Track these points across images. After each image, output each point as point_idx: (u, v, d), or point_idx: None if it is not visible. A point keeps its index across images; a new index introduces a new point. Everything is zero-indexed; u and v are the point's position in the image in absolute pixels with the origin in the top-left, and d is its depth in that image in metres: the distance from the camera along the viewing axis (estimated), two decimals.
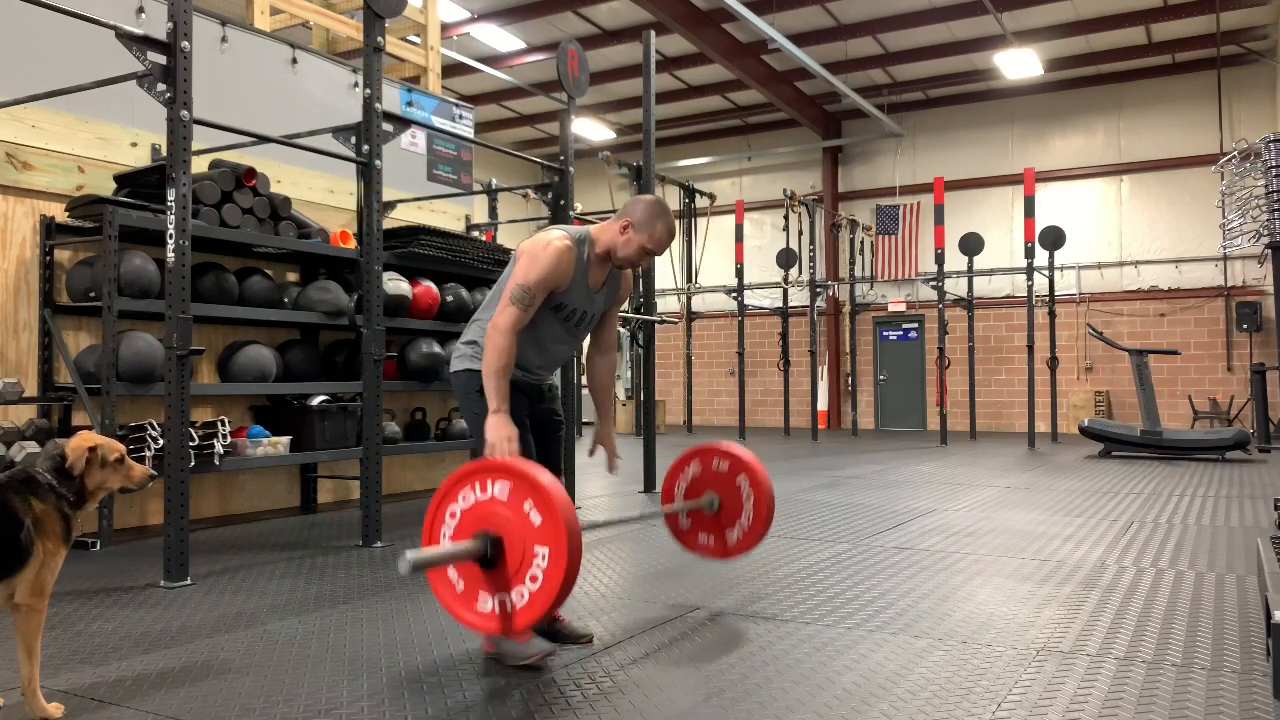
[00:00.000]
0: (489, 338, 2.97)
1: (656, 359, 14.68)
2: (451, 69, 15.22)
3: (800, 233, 16.41)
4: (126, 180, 5.57)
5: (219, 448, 5.34)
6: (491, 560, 2.59)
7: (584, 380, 3.20)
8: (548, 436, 3.32)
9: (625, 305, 4.01)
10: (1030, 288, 13.03)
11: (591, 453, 3.42)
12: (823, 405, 17.45)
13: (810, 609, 3.67)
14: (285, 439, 5.86)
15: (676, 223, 3.15)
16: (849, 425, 17.03)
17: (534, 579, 2.51)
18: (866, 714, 2.53)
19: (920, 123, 17.30)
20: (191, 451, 4.93)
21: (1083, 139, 16.14)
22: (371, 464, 5.20)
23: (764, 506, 3.65)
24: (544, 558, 2.51)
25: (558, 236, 3.05)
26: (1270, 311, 14.11)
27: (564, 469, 3.45)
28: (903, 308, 17.33)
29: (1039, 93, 16.24)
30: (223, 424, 5.45)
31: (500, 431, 2.91)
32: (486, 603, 2.61)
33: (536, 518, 2.52)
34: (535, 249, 3.01)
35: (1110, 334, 15.02)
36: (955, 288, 15.44)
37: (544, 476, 2.57)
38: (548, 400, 3.34)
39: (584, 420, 16.71)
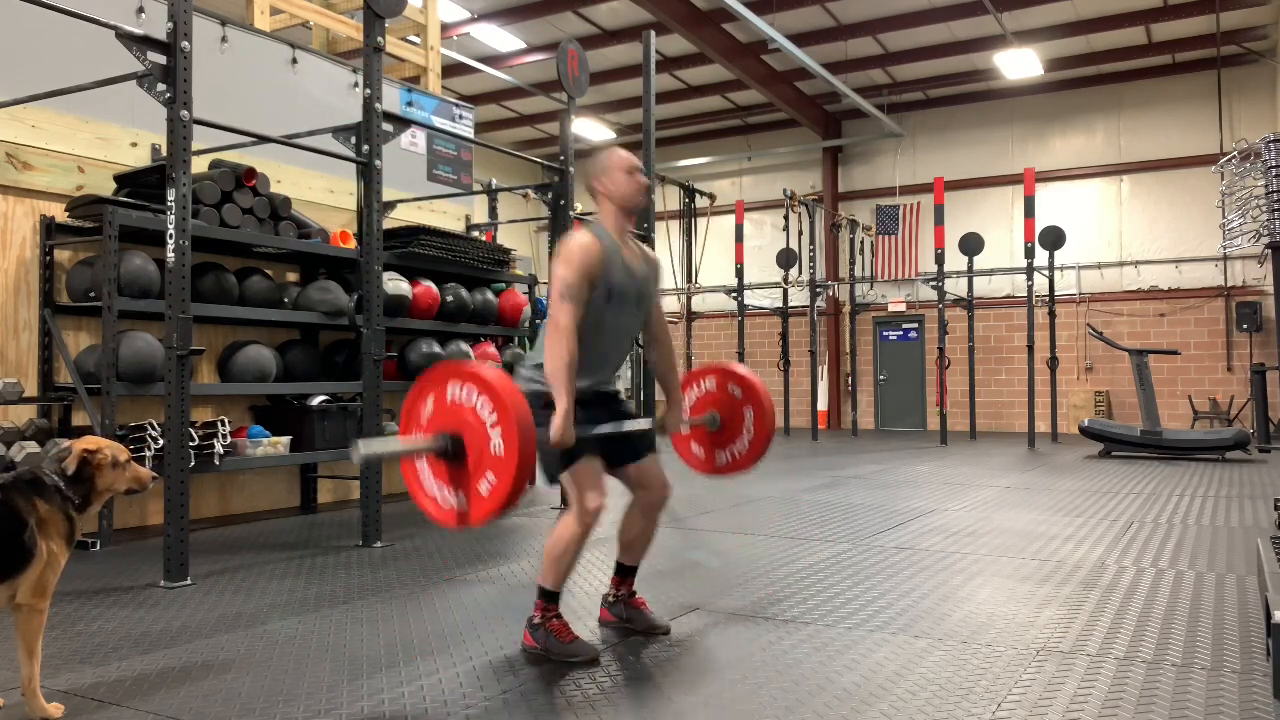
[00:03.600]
0: (549, 338, 3.01)
1: None
2: (451, 69, 15.21)
3: (800, 233, 16.40)
4: (126, 180, 5.57)
5: (219, 448, 5.34)
6: (454, 456, 2.70)
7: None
8: (636, 442, 3.33)
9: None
10: (1030, 288, 13.02)
11: (663, 430, 3.50)
12: (823, 405, 17.44)
13: (810, 609, 3.67)
14: (285, 439, 5.86)
15: (618, 151, 3.34)
16: (849, 425, 17.02)
17: (490, 477, 2.64)
18: (866, 714, 2.53)
19: (920, 123, 17.29)
20: (191, 451, 4.93)
21: (1083, 139, 16.13)
22: (371, 464, 5.20)
23: (760, 443, 3.74)
24: (491, 475, 2.63)
25: (577, 235, 3.16)
26: (1270, 311, 14.10)
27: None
28: (903, 308, 17.32)
29: (1039, 93, 16.23)
30: (223, 424, 5.45)
31: (566, 434, 2.94)
32: (449, 498, 2.73)
33: (489, 416, 2.66)
34: (564, 252, 3.10)
35: (1110, 334, 15.02)
36: (955, 288, 15.42)
37: (494, 376, 2.70)
38: (624, 409, 3.35)
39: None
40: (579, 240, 3.11)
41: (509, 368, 7.61)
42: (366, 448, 2.59)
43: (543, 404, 3.08)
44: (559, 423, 2.94)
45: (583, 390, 3.16)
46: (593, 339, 3.14)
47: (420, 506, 2.79)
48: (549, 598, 3.08)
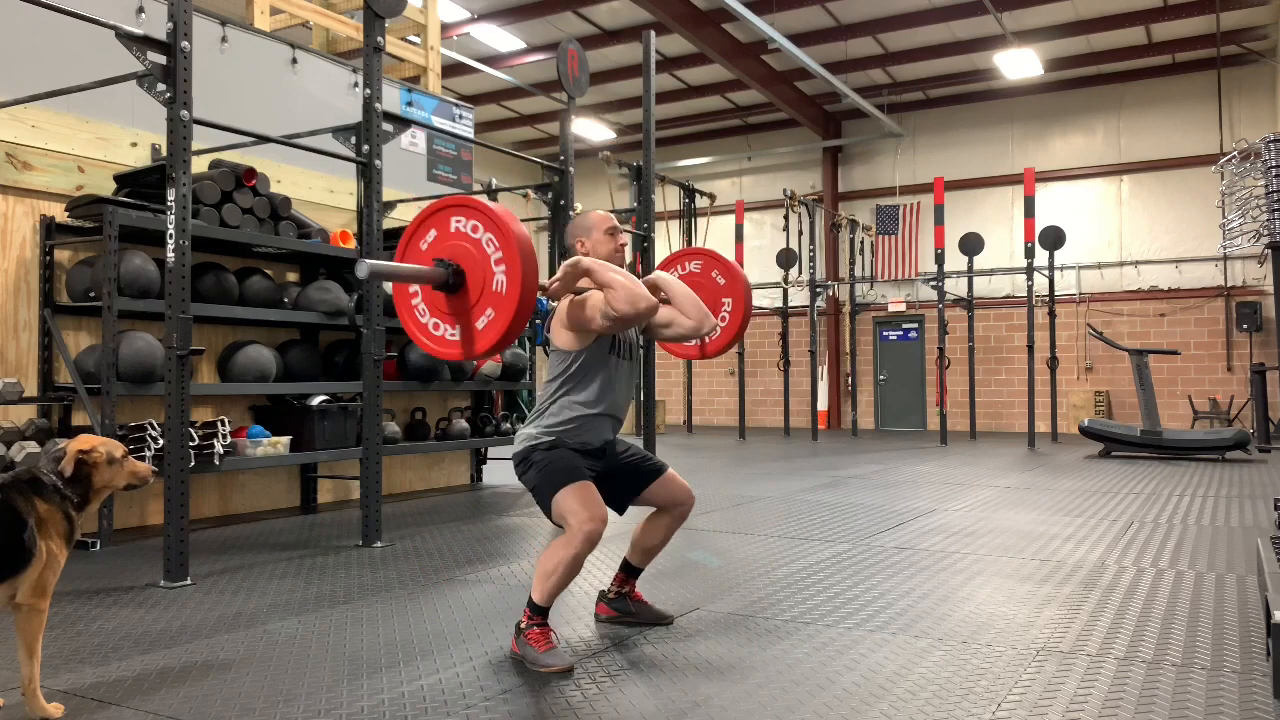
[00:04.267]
0: (614, 295, 2.96)
1: (656, 359, 14.67)
2: (451, 69, 15.21)
3: (800, 233, 16.40)
4: (126, 180, 5.57)
5: (219, 448, 5.34)
6: (454, 287, 2.81)
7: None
8: (635, 471, 3.33)
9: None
10: (1030, 288, 13.02)
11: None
12: (823, 405, 17.44)
13: (810, 609, 3.67)
14: (285, 439, 5.86)
15: (599, 213, 3.40)
16: (849, 425, 17.02)
17: (489, 313, 2.77)
18: (866, 714, 2.53)
19: (920, 123, 17.29)
20: (191, 451, 4.93)
21: (1083, 139, 16.13)
22: (371, 464, 5.20)
23: (732, 333, 3.89)
24: (501, 284, 2.75)
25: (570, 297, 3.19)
26: (1270, 311, 14.10)
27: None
28: (903, 308, 17.32)
29: (1039, 93, 16.23)
30: (223, 424, 5.45)
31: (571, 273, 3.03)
32: (449, 332, 2.87)
33: (494, 251, 2.77)
34: (564, 308, 3.12)
35: (1110, 334, 15.02)
36: (955, 288, 15.43)
37: (501, 210, 2.81)
38: (618, 451, 3.33)
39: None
40: (573, 298, 3.11)
41: (510, 369, 7.61)
42: (374, 266, 2.71)
43: (547, 448, 3.11)
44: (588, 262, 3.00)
45: (586, 448, 3.17)
46: (602, 392, 3.17)
47: (415, 340, 2.94)
48: (535, 609, 3.02)
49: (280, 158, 6.66)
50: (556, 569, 2.97)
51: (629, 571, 3.48)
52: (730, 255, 16.09)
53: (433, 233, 2.88)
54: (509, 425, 7.79)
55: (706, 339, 3.89)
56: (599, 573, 4.34)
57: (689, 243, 18.44)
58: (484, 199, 2.88)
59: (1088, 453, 11.24)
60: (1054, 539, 5.25)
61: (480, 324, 2.76)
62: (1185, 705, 2.57)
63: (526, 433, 3.19)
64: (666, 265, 3.99)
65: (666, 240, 18.35)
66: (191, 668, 2.94)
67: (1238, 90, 14.98)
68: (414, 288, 2.95)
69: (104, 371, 4.96)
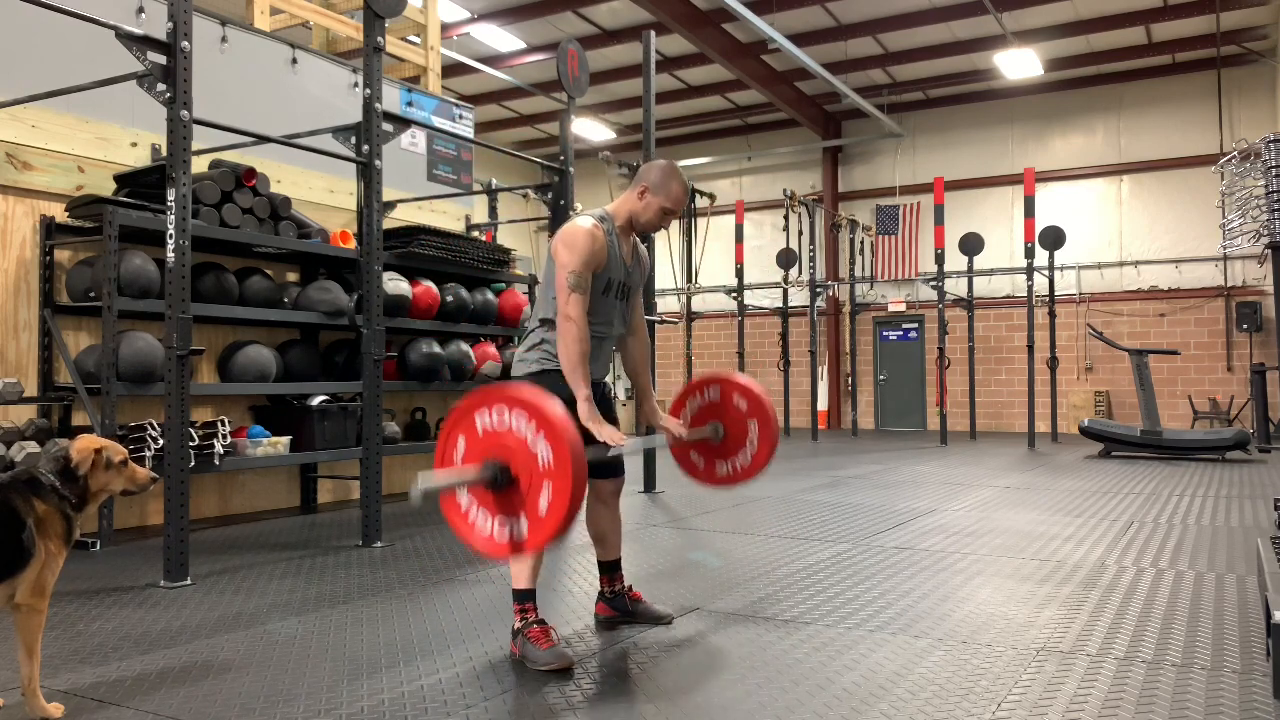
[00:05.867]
0: (562, 329, 3.04)
1: (656, 359, 14.67)
2: (451, 69, 15.21)
3: (800, 233, 16.40)
4: (126, 180, 5.57)
5: (219, 448, 5.34)
6: (504, 484, 2.67)
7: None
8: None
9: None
10: (1030, 288, 13.02)
11: (647, 431, 3.55)
12: (823, 405, 17.44)
13: (810, 609, 3.67)
14: (285, 439, 5.86)
15: (684, 188, 3.29)
16: (849, 425, 17.02)
17: (540, 507, 2.61)
18: (866, 714, 2.53)
19: (920, 123, 17.29)
20: (191, 451, 4.93)
21: (1083, 139, 16.13)
22: (371, 464, 5.20)
23: (763, 457, 3.66)
24: (548, 490, 2.60)
25: (584, 221, 3.16)
26: (1270, 311, 14.10)
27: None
28: (903, 308, 17.32)
29: (1039, 93, 16.23)
30: (223, 424, 5.45)
31: (594, 417, 3.02)
32: (496, 529, 2.71)
33: (546, 451, 2.60)
34: (571, 237, 3.11)
35: (1110, 334, 15.01)
36: (955, 288, 15.42)
37: (554, 410, 2.65)
38: (609, 408, 3.33)
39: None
40: (588, 229, 3.11)
41: (510, 369, 7.61)
42: (424, 482, 2.60)
43: (539, 375, 3.15)
44: (585, 409, 3.00)
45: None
46: (590, 326, 3.18)
47: (472, 546, 2.74)
48: (521, 598, 3.03)
49: (280, 158, 6.66)
50: None
51: (606, 569, 3.48)
52: (730, 255, 16.15)
53: (463, 441, 2.74)
54: None
55: (732, 469, 3.71)
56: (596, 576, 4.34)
57: (689, 242, 18.46)
58: (501, 388, 2.71)
59: (1088, 453, 11.24)
60: (1054, 539, 5.25)
61: (540, 507, 2.59)
62: (1185, 705, 2.57)
63: (528, 357, 3.22)
64: (687, 395, 3.78)
65: (667, 240, 18.36)
66: (191, 668, 2.94)
67: (1238, 90, 14.98)
68: (467, 505, 2.77)
69: (104, 371, 4.96)
